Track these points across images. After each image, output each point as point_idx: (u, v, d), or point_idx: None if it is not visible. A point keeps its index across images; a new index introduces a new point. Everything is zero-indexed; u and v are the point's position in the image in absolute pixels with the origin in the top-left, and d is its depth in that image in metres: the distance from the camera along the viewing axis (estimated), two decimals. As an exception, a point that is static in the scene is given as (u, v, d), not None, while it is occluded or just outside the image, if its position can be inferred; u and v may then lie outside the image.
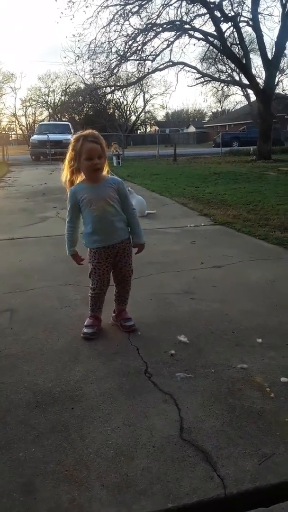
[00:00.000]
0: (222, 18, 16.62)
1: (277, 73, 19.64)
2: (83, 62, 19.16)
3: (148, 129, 64.21)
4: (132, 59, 18.27)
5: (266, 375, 2.16)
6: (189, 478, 1.53)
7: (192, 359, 2.32)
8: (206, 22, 17.69)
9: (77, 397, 2.01)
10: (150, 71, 19.41)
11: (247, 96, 31.13)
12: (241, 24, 17.29)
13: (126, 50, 17.52)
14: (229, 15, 16.81)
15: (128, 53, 17.67)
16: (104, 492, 1.48)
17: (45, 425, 1.82)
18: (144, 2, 16.65)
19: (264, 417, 1.84)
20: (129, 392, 2.04)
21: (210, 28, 17.42)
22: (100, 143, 2.42)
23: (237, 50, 18.39)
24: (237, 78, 24.24)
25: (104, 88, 21.59)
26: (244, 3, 17.40)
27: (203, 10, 16.73)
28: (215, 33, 16.83)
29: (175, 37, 17.72)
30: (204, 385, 2.08)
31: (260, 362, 2.28)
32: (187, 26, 17.31)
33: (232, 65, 22.17)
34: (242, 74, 19.33)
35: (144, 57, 18.22)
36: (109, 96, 36.58)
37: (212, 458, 1.61)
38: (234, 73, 24.98)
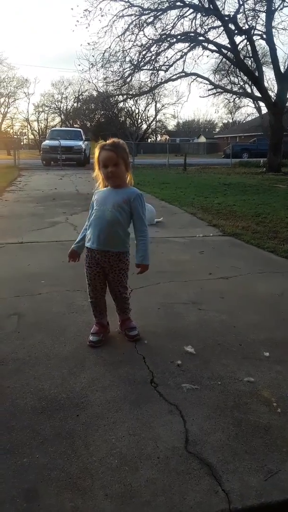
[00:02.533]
0: (236, 31, 16.74)
1: (290, 87, 19.61)
2: (97, 70, 19.34)
3: (159, 138, 64.49)
4: (146, 69, 18.42)
5: (273, 389, 2.14)
6: (194, 491, 1.51)
7: (198, 370, 2.31)
8: (220, 34, 17.78)
9: (82, 404, 2.01)
10: (162, 81, 19.54)
11: (258, 109, 31.19)
12: (254, 38, 17.42)
13: (139, 59, 17.68)
14: (243, 28, 16.92)
15: (142, 63, 17.81)
16: (107, 501, 1.47)
17: (50, 431, 1.81)
18: (159, 13, 16.82)
19: (270, 433, 1.82)
20: (135, 401, 2.03)
21: (224, 40, 17.60)
22: (117, 152, 2.44)
23: (250, 62, 18.49)
24: (249, 90, 24.27)
25: (117, 96, 21.73)
26: (258, 16, 17.54)
27: (218, 23, 16.89)
28: (228, 45, 16.95)
29: (188, 48, 17.86)
30: (210, 397, 2.07)
31: (267, 376, 2.26)
32: (201, 38, 17.44)
33: (245, 78, 22.22)
34: (254, 87, 19.40)
35: (157, 67, 18.36)
36: (121, 104, 36.91)
37: (217, 472, 1.60)
38: (246, 85, 25.00)
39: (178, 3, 16.72)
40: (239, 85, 25.64)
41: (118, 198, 2.48)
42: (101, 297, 2.67)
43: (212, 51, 17.90)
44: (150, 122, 55.22)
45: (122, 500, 1.48)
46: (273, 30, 16.86)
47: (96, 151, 2.48)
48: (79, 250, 2.67)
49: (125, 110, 49.17)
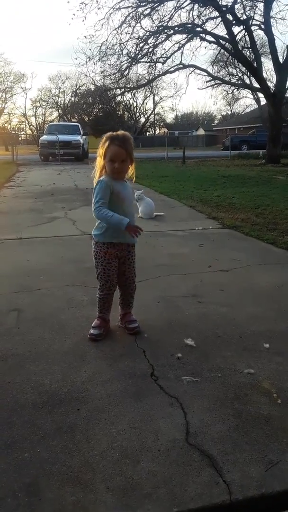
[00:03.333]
0: (234, 22, 16.60)
1: (288, 77, 19.51)
2: (94, 64, 19.32)
3: (157, 131, 64.26)
4: (143, 61, 18.32)
5: (273, 380, 2.14)
6: (195, 483, 1.52)
7: (198, 362, 2.31)
8: (218, 25, 17.61)
9: (83, 398, 2.01)
10: (160, 73, 19.42)
11: (257, 100, 31.08)
12: (253, 28, 17.27)
13: (137, 52, 17.57)
14: (241, 18, 16.79)
15: (139, 55, 17.71)
16: (109, 494, 1.47)
17: (51, 426, 1.82)
18: (156, 5, 16.68)
19: (270, 423, 1.83)
20: (135, 394, 2.04)
21: (221, 31, 17.42)
22: (126, 148, 2.45)
23: (248, 53, 18.34)
24: (247, 81, 24.19)
25: (114, 90, 21.64)
26: (256, 6, 17.39)
27: (215, 13, 16.74)
28: (226, 36, 16.81)
29: (186, 39, 17.73)
30: (210, 389, 2.08)
31: (267, 367, 2.27)
32: (198, 29, 17.31)
33: (243, 69, 22.15)
34: (253, 78, 19.32)
35: (155, 60, 18.25)
36: (119, 98, 36.76)
37: (217, 463, 1.60)
38: (245, 77, 24.93)
39: (175, -6, 16.59)
40: (237, 76, 25.56)
41: (131, 191, 2.67)
42: (113, 292, 2.70)
43: (210, 42, 17.78)
44: (148, 115, 55.07)
45: (123, 492, 1.48)
46: (272, 20, 16.75)
47: (105, 143, 2.45)
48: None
49: (123, 103, 49.04)
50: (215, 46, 18.42)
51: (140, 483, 1.52)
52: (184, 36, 17.68)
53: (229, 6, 16.27)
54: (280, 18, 33.52)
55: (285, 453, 1.65)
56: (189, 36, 17.59)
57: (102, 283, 2.64)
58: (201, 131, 59.35)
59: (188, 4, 16.88)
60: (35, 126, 57.80)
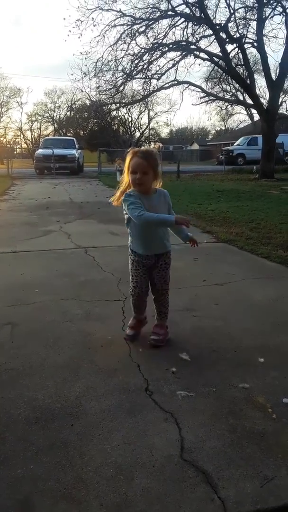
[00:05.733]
0: (227, 40, 16.89)
1: (281, 94, 19.83)
2: (90, 80, 19.40)
3: (152, 146, 64.71)
4: (138, 77, 18.50)
5: (268, 395, 2.14)
6: (189, 499, 1.50)
7: (193, 377, 2.30)
8: (211, 43, 17.91)
9: (77, 413, 1.99)
10: (155, 89, 19.64)
11: (250, 116, 31.52)
12: (246, 46, 17.58)
13: (132, 68, 17.78)
14: (235, 36, 17.09)
15: (134, 72, 17.91)
16: (103, 511, 1.46)
17: (44, 442, 1.80)
18: (151, 22, 16.95)
19: (265, 439, 1.82)
20: (130, 409, 2.02)
21: (215, 49, 17.71)
22: (148, 160, 2.49)
23: (241, 70, 18.65)
24: (241, 97, 24.51)
25: (110, 105, 21.85)
26: (249, 25, 17.73)
27: (209, 32, 17.02)
28: (220, 53, 17.08)
29: (180, 57, 17.98)
30: (205, 404, 2.07)
31: (262, 382, 2.26)
32: (192, 46, 17.58)
33: (237, 85, 22.44)
34: (246, 94, 19.58)
35: (149, 76, 18.45)
36: (114, 113, 37.07)
37: (212, 479, 1.59)
38: (238, 93, 25.27)
39: (170, 13, 16.87)
40: (231, 93, 25.92)
41: (159, 200, 2.65)
42: (144, 297, 2.77)
43: (204, 59, 18.04)
44: (143, 130, 55.42)
45: (117, 509, 1.46)
46: (264, 38, 17.04)
47: (128, 157, 2.52)
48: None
49: (118, 118, 49.36)
50: (209, 63, 18.71)
51: (134, 500, 1.50)
52: (179, 53, 17.94)
53: (222, 25, 16.58)
54: (273, 36, 33.97)
55: (281, 469, 1.64)
56: (183, 53, 17.84)
57: (132, 288, 2.76)
58: (195, 146, 59.87)
59: (182, 22, 17.18)
60: (30, 140, 58.01)
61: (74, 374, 2.34)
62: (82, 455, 1.72)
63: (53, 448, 1.76)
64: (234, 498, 1.50)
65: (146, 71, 18.09)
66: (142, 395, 2.14)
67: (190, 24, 17.07)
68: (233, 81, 21.44)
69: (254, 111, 23.13)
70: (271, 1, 16.48)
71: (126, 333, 2.78)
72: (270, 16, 16.83)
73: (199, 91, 20.04)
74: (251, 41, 17.62)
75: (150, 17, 16.84)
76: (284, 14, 16.39)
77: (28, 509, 1.47)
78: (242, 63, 18.00)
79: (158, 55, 17.71)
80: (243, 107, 30.34)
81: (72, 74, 31.83)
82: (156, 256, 2.70)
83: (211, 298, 3.52)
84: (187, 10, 16.85)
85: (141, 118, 53.61)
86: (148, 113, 51.80)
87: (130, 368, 2.40)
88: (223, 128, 65.16)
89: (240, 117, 66.02)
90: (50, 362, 2.48)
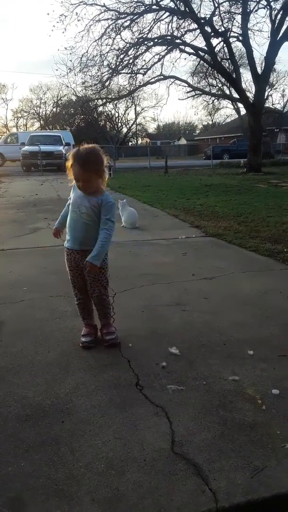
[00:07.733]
0: (212, 34, 16.92)
1: (267, 87, 19.92)
2: (75, 75, 19.37)
3: (140, 141, 64.60)
4: (124, 73, 18.48)
5: (257, 387, 2.15)
6: (181, 492, 1.51)
7: (183, 371, 2.31)
8: (196, 37, 17.96)
9: (68, 410, 1.99)
10: (141, 84, 19.62)
11: (237, 110, 31.61)
12: (231, 39, 17.65)
13: (117, 63, 17.72)
14: (219, 30, 17.12)
15: (120, 67, 17.87)
16: (94, 506, 1.46)
17: (35, 439, 1.79)
18: (135, 17, 16.89)
19: (255, 430, 1.83)
20: (120, 405, 2.02)
21: (200, 43, 17.83)
22: (86, 169, 2.41)
23: (227, 64, 18.70)
24: (227, 92, 24.59)
25: (96, 101, 21.78)
26: (234, 19, 17.80)
27: (194, 26, 17.02)
28: (205, 48, 17.11)
29: (166, 51, 17.98)
30: (195, 397, 2.08)
31: (252, 374, 2.28)
32: (178, 40, 17.57)
33: (223, 79, 22.51)
34: (233, 88, 19.62)
35: (135, 71, 18.44)
36: (100, 108, 36.90)
37: (203, 471, 1.60)
38: (225, 87, 25.38)
39: (154, 7, 16.82)
40: (217, 87, 25.99)
41: (92, 200, 2.51)
42: (88, 297, 2.69)
43: (189, 53, 18.05)
44: (130, 125, 55.30)
45: (109, 504, 1.47)
46: (249, 31, 17.12)
47: (70, 160, 2.45)
48: (61, 227, 2.75)
49: (105, 114, 49.18)
50: (194, 57, 18.75)
51: (125, 494, 1.51)
52: (164, 47, 17.95)
53: (207, 19, 16.59)
54: (258, 30, 34.35)
55: (271, 459, 1.66)
56: (169, 47, 17.84)
57: (73, 290, 2.72)
58: (183, 141, 59.91)
59: (167, 17, 17.17)
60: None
61: (64, 371, 2.33)
62: (73, 451, 1.72)
63: (44, 445, 1.76)
64: (225, 489, 1.52)
65: (132, 66, 18.10)
66: (132, 390, 2.14)
67: (175, 18, 17.08)
68: (219, 75, 21.48)
69: (240, 105, 23.17)
70: (256, -5, 16.51)
71: (82, 340, 2.63)
72: (254, 10, 16.91)
73: (185, 86, 20.09)
74: (236, 35, 17.71)
75: (135, 12, 16.79)
76: (268, 7, 16.45)
77: (20, 507, 1.46)
78: (228, 57, 18.05)
79: (143, 50, 17.72)
80: (230, 102, 30.38)
81: (57, 70, 31.71)
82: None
83: (200, 292, 3.53)
84: (172, 4, 16.88)
85: (128, 114, 53.59)
86: (135, 109, 51.72)
87: (120, 364, 2.40)
88: (210, 122, 65.29)
89: (227, 111, 66.16)
90: (39, 359, 2.47)
